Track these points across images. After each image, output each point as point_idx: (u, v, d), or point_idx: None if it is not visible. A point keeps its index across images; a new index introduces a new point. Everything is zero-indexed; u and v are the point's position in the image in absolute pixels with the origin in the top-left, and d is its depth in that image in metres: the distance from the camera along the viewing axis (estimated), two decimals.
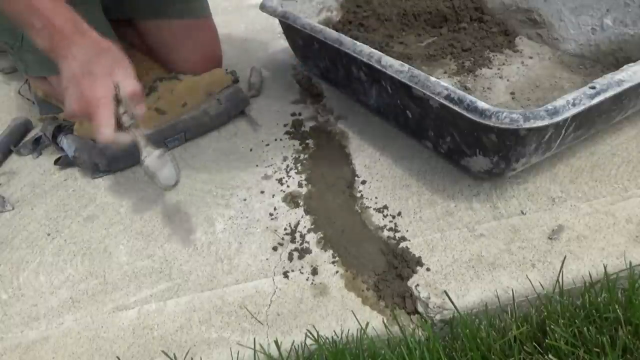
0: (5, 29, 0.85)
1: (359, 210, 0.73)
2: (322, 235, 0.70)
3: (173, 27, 0.99)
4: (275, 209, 0.75)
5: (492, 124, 0.60)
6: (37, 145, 0.94)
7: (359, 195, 0.76)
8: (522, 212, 0.69)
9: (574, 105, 0.60)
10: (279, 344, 0.56)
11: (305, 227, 0.72)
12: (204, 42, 1.02)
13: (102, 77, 0.62)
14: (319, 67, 0.99)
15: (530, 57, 1.03)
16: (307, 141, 0.89)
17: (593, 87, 0.62)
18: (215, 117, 0.93)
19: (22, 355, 0.59)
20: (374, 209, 0.73)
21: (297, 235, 0.71)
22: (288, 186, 0.79)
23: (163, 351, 0.57)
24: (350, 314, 0.59)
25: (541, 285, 0.59)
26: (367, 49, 0.77)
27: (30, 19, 0.62)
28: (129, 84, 0.62)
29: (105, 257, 0.71)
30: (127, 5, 0.98)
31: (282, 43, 1.22)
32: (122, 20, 1.00)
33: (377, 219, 0.72)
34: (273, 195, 0.78)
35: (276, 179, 0.81)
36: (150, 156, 0.67)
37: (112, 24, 0.90)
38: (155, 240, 0.73)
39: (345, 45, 0.80)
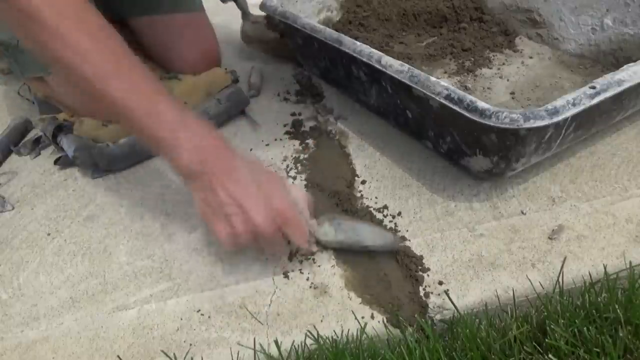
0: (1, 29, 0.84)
1: (359, 210, 0.73)
2: None
3: (165, 23, 0.98)
4: None
5: (492, 123, 0.60)
6: (37, 145, 0.94)
7: (359, 195, 0.76)
8: (522, 212, 0.69)
9: (574, 105, 0.60)
10: (279, 344, 0.56)
11: None
12: (199, 38, 1.01)
13: (281, 188, 0.61)
14: (319, 67, 0.99)
15: (530, 57, 1.03)
16: (307, 141, 0.89)
17: (593, 87, 0.62)
18: (215, 117, 0.93)
19: (22, 355, 0.59)
20: (374, 209, 0.73)
21: None
22: None
23: (163, 351, 0.57)
24: (350, 314, 0.59)
25: (541, 285, 0.59)
26: (367, 49, 0.77)
27: (174, 134, 0.58)
28: (301, 193, 0.64)
29: (105, 257, 0.71)
30: (116, 5, 0.97)
31: None
32: (115, 21, 0.99)
33: (377, 219, 0.71)
34: None
35: None
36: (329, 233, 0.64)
37: None
38: (155, 240, 0.73)
39: (345, 45, 0.80)
